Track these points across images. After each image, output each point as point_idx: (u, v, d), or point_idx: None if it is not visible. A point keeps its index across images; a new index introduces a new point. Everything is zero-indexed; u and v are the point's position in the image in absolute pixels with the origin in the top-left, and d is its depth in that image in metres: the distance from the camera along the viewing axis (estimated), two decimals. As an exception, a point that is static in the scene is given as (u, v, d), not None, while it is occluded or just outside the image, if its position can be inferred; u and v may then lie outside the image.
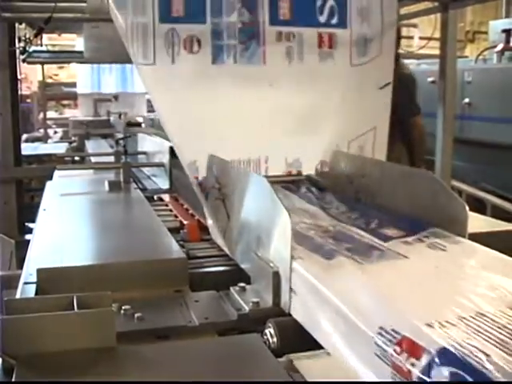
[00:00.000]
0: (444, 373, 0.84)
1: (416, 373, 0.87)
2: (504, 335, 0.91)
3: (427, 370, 0.86)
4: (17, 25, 4.30)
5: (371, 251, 1.37)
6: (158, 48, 2.05)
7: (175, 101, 2.07)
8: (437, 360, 0.86)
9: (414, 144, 3.97)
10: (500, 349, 0.87)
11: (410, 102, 3.89)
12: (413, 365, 0.88)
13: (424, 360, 0.87)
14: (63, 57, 6.93)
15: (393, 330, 0.95)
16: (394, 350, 0.92)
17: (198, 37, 2.08)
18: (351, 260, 1.30)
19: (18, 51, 4.29)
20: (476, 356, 0.84)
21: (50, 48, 7.82)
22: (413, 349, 0.90)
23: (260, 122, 2.16)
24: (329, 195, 1.99)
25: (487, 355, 0.84)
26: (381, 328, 0.97)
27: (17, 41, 4.29)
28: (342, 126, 2.26)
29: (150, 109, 6.70)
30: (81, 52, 5.30)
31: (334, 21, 2.28)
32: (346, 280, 1.18)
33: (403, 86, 3.92)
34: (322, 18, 2.28)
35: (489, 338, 0.90)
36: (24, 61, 4.82)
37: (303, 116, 2.21)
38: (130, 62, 2.05)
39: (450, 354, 0.86)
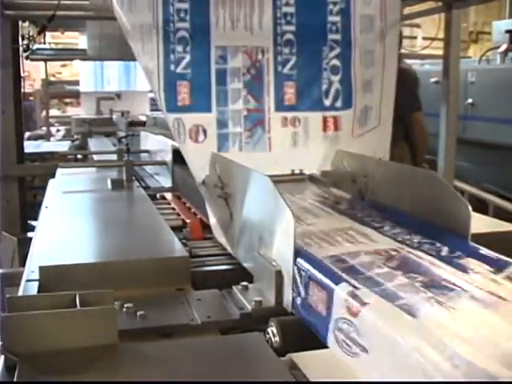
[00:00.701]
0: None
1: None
2: None
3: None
4: (20, 23, 4.30)
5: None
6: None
7: None
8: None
9: (415, 142, 3.96)
10: None
11: (411, 97, 3.87)
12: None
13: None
14: (66, 54, 6.95)
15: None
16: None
17: (204, 126, 2.08)
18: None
19: (21, 49, 4.29)
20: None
21: (54, 46, 7.83)
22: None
23: None
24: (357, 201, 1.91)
25: None
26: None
27: (20, 39, 4.29)
28: None
29: (153, 107, 6.70)
30: (84, 50, 5.31)
31: (339, 104, 2.30)
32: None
33: (403, 81, 3.93)
34: (327, 102, 2.29)
35: None
36: (27, 58, 4.82)
37: None
38: (133, 59, 2.06)
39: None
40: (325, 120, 2.28)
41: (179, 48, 2.06)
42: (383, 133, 2.38)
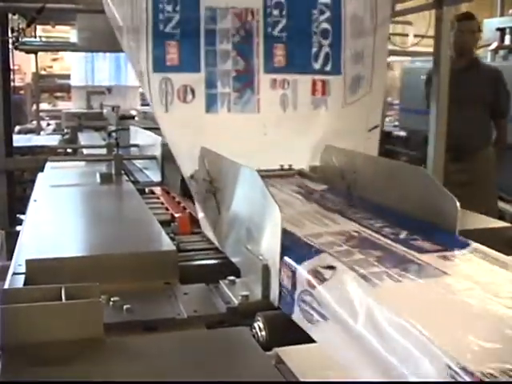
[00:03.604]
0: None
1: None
2: None
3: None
4: (10, 15, 4.28)
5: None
6: (153, 97, 2.05)
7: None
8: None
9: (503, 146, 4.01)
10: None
11: (507, 99, 3.95)
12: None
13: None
14: (56, 45, 6.91)
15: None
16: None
17: (192, 86, 2.06)
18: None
19: (10, 41, 4.27)
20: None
21: (44, 40, 7.78)
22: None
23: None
24: (328, 193, 1.96)
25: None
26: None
27: (9, 31, 4.26)
28: None
29: (143, 102, 6.68)
30: (74, 44, 5.29)
31: (329, 68, 2.29)
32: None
33: (497, 80, 3.95)
34: (317, 65, 2.28)
35: None
36: (16, 48, 4.79)
37: None
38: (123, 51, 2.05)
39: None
40: (314, 83, 2.28)
41: (168, 7, 2.05)
42: (375, 99, 2.38)
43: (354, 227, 1.52)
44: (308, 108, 2.28)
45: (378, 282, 1.12)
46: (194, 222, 2.01)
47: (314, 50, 2.27)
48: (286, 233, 1.36)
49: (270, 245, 1.33)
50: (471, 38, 3.97)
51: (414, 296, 1.11)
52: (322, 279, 1.17)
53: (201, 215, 1.93)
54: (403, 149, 6.35)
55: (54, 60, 12.14)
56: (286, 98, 2.24)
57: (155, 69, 2.03)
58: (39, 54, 7.54)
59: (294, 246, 1.35)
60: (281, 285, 1.29)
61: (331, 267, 1.20)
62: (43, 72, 10.39)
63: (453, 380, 0.83)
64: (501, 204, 4.68)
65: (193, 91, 2.07)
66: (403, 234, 1.44)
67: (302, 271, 1.22)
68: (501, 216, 4.22)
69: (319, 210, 1.73)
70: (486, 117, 3.97)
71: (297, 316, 1.21)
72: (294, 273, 1.25)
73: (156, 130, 2.62)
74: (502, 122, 4.02)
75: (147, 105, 4.45)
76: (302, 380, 0.99)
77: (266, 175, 1.95)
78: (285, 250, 1.30)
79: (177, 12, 2.06)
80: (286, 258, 1.29)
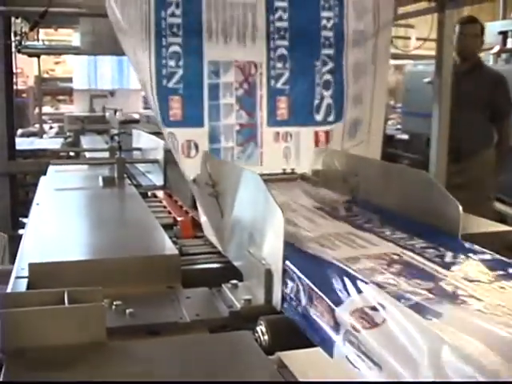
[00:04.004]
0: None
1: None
2: None
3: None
4: (13, 19, 4.29)
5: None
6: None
7: None
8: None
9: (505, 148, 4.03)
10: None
11: (508, 100, 3.97)
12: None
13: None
14: (58, 48, 6.93)
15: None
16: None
17: (196, 141, 2.06)
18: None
19: (13, 45, 4.28)
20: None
21: (47, 43, 7.80)
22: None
23: None
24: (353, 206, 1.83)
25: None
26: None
27: (12, 35, 4.27)
28: None
29: (146, 106, 6.69)
30: (77, 47, 5.31)
31: (331, 118, 2.30)
32: None
33: (497, 83, 3.98)
34: (319, 117, 2.29)
35: None
36: (19, 51, 4.81)
37: None
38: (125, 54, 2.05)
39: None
40: (316, 134, 2.28)
41: (171, 63, 2.04)
42: (372, 147, 2.38)
43: (394, 249, 1.37)
44: (310, 158, 2.28)
45: (436, 320, 0.98)
46: (197, 225, 2.02)
47: (317, 101, 2.27)
48: (316, 257, 1.30)
49: (272, 249, 1.33)
50: (474, 42, 3.98)
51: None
52: (370, 323, 0.99)
53: (203, 219, 1.93)
54: (406, 152, 6.35)
55: (57, 63, 12.17)
56: (289, 150, 2.25)
57: (162, 122, 2.03)
58: (42, 57, 7.55)
59: (328, 274, 1.19)
60: (312, 320, 1.13)
61: (379, 307, 1.03)
62: (46, 75, 10.42)
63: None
64: (503, 207, 4.68)
65: (196, 146, 2.06)
66: (448, 257, 1.31)
67: (344, 313, 1.05)
68: (503, 219, 4.21)
69: (349, 228, 1.58)
70: (485, 119, 3.99)
71: (339, 357, 1.04)
72: (332, 310, 1.07)
73: (159, 134, 2.62)
74: (503, 124, 4.04)
75: (149, 108, 4.47)
76: None
77: (269, 179, 1.95)
78: (318, 279, 1.17)
79: (180, 67, 2.05)
80: (320, 292, 1.13)
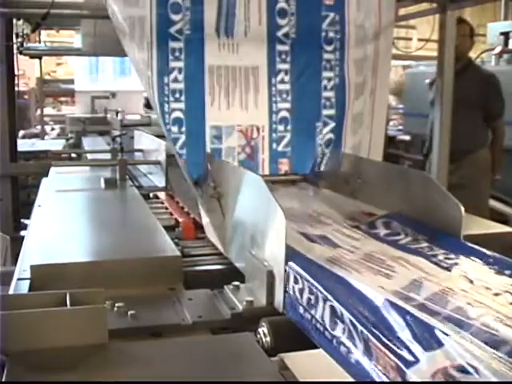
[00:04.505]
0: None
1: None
2: None
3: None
4: (14, 20, 4.29)
5: None
6: None
7: None
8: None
9: (500, 148, 4.08)
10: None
11: (501, 100, 4.04)
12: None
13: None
14: (60, 49, 6.93)
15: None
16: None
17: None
18: None
19: (15, 46, 4.28)
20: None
21: (49, 45, 7.82)
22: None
23: None
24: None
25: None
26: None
27: (14, 36, 4.28)
28: None
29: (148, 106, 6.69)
30: (78, 49, 5.32)
31: None
32: None
33: (490, 83, 4.05)
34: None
35: None
36: (21, 53, 4.81)
37: None
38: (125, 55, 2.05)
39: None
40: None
41: (174, 129, 2.05)
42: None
43: (462, 283, 1.16)
44: None
45: None
46: (199, 227, 2.01)
47: (318, 159, 2.26)
48: (368, 293, 1.07)
49: (274, 250, 1.33)
50: (463, 42, 4.00)
51: None
52: None
53: (205, 220, 1.93)
54: (407, 153, 6.35)
55: (58, 65, 12.17)
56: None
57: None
58: (43, 58, 7.56)
59: (390, 319, 0.96)
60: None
61: (470, 369, 0.80)
62: (47, 77, 10.42)
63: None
64: (506, 208, 4.68)
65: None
66: None
67: (421, 375, 0.81)
68: (506, 220, 4.21)
69: (395, 251, 1.39)
70: (479, 119, 4.04)
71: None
72: (401, 370, 0.84)
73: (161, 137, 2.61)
74: (496, 124, 4.08)
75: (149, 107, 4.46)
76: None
77: (270, 180, 1.95)
78: (377, 325, 0.95)
79: (182, 133, 2.06)
80: (383, 347, 0.89)
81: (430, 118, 3.99)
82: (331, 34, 2.25)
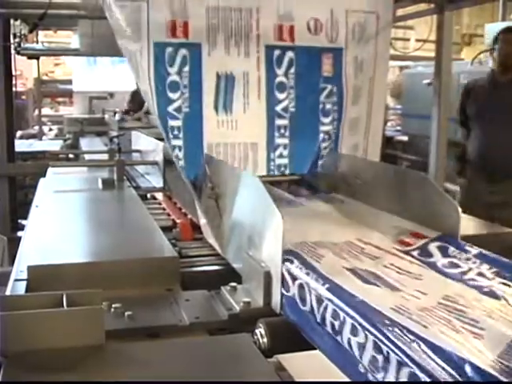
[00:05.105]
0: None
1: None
2: None
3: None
4: (12, 21, 4.29)
5: None
6: None
7: None
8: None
9: None
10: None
11: None
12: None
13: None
14: (58, 50, 6.93)
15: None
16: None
17: None
18: None
19: (12, 47, 4.28)
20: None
21: (46, 45, 7.81)
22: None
23: None
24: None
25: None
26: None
27: (11, 37, 4.28)
28: None
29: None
30: (76, 49, 5.33)
31: None
32: None
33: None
34: None
35: None
36: (18, 53, 4.81)
37: None
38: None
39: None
40: None
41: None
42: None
43: None
44: None
45: None
46: (196, 228, 2.01)
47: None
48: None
49: (271, 251, 1.33)
50: None
51: None
52: None
53: (203, 221, 1.92)
54: (405, 153, 6.36)
55: (56, 65, 12.16)
56: None
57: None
58: (41, 59, 7.56)
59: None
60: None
61: None
62: (45, 77, 10.42)
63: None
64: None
65: None
66: None
67: None
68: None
69: (474, 293, 1.14)
70: None
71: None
72: None
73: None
74: None
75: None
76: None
77: (268, 181, 1.95)
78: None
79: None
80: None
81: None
82: (328, 106, 2.24)
